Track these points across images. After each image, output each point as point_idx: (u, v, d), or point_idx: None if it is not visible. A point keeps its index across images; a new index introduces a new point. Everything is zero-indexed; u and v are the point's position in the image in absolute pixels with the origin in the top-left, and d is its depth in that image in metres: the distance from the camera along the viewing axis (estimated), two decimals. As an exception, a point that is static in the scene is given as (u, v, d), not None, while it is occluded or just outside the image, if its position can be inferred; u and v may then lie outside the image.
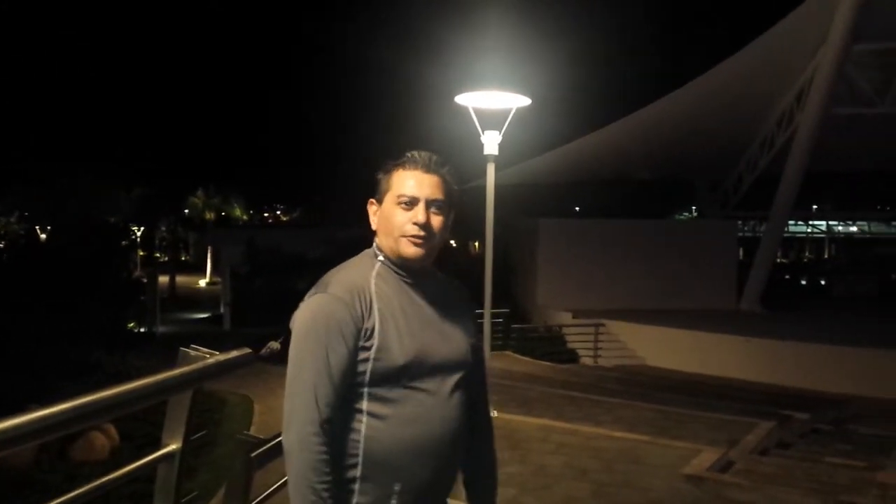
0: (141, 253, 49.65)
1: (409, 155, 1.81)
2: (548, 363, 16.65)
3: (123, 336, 21.39)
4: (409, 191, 1.76)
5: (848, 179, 37.41)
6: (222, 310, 30.96)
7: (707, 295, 21.64)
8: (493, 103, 7.90)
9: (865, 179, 37.98)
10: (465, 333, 1.86)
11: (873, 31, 18.51)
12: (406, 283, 1.80)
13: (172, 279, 44.24)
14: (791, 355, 15.44)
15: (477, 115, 7.98)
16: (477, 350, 1.92)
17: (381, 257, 1.81)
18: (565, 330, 19.32)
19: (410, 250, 1.76)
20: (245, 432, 6.71)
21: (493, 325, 14.59)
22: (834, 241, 49.53)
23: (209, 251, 50.16)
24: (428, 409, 1.72)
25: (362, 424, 1.69)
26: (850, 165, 29.71)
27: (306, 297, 1.75)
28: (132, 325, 25.84)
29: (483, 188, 8.46)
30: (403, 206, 1.77)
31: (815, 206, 46.32)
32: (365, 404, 1.69)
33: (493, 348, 12.22)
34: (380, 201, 1.82)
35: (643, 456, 6.66)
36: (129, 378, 2.18)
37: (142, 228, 50.71)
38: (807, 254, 52.98)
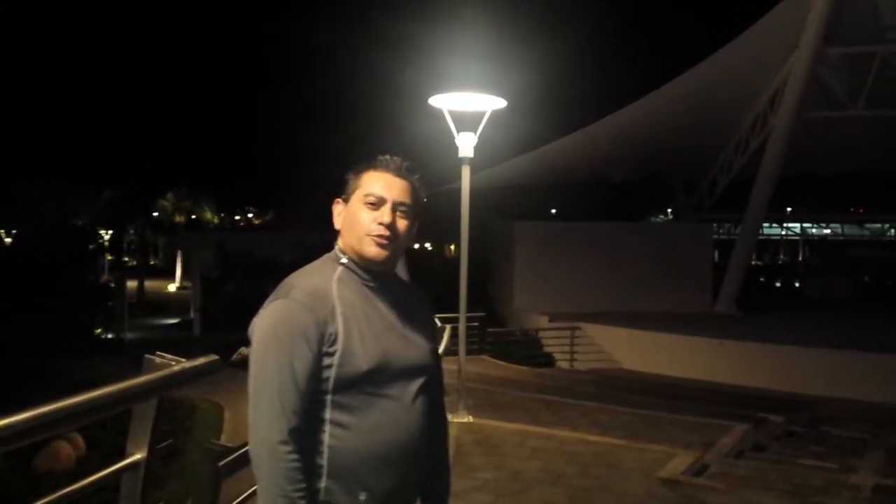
0: (109, 257, 48.97)
1: (381, 158, 1.81)
2: (524, 367, 16.63)
3: (90, 342, 21.05)
4: (378, 191, 1.75)
5: (822, 182, 37.90)
6: (192, 315, 30.60)
7: (682, 297, 21.76)
8: (467, 105, 7.83)
9: (839, 182, 38.51)
10: (426, 339, 1.84)
11: (844, 35, 18.77)
12: (368, 287, 1.77)
13: (141, 284, 43.72)
14: (765, 357, 15.56)
15: (452, 117, 7.91)
16: (437, 356, 1.90)
17: (343, 259, 1.78)
18: (541, 334, 19.32)
19: (373, 250, 1.74)
20: (213, 440, 6.57)
21: (469, 329, 14.56)
22: (808, 243, 50.17)
23: (179, 255, 49.63)
24: (392, 415, 1.70)
25: (325, 434, 1.66)
26: (824, 168, 30.11)
27: (266, 304, 1.70)
28: (99, 331, 25.46)
29: (458, 191, 8.39)
30: (370, 205, 1.75)
31: (789, 209, 46.89)
32: (328, 413, 1.66)
33: (468, 352, 12.16)
34: (346, 201, 1.80)
35: (619, 460, 6.62)
36: (96, 385, 2.10)
37: (110, 232, 50.02)
38: (781, 256, 53.63)
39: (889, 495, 6.20)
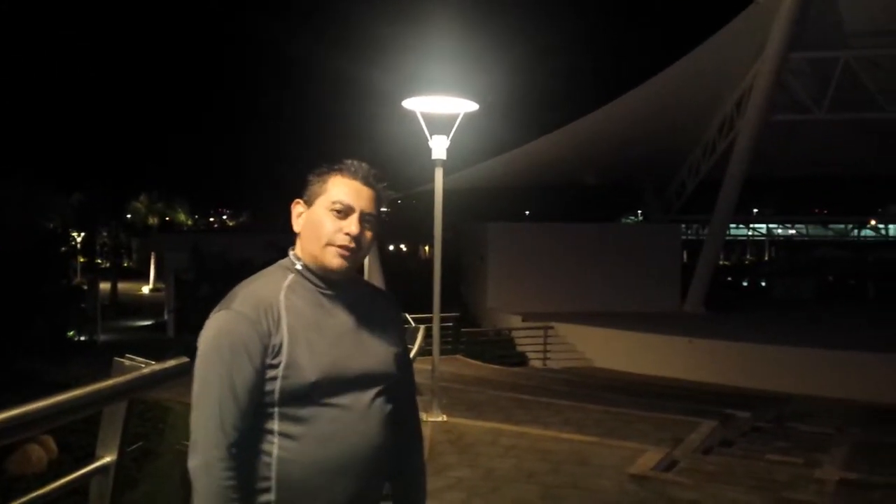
0: (81, 259, 48.32)
1: (348, 162, 1.74)
2: (497, 366, 16.72)
3: (63, 344, 20.75)
4: (346, 199, 1.69)
5: (787, 184, 38.58)
6: (166, 317, 30.29)
7: (652, 297, 22.04)
8: (440, 108, 7.90)
9: (804, 184, 39.23)
10: (388, 344, 1.78)
11: (808, 40, 19.15)
12: (323, 294, 1.71)
13: (114, 286, 43.22)
14: (733, 355, 15.83)
15: (424, 120, 7.98)
16: (404, 362, 1.84)
17: (298, 265, 1.72)
18: (515, 333, 19.45)
19: (336, 261, 1.68)
20: (185, 442, 6.55)
21: (443, 329, 14.63)
22: (774, 243, 50.98)
23: (152, 257, 49.06)
24: (344, 425, 1.64)
25: (274, 446, 1.61)
26: (789, 170, 30.63)
27: (212, 314, 1.65)
28: (72, 333, 25.10)
29: (432, 193, 8.46)
30: (336, 213, 1.68)
31: (755, 210, 47.65)
32: (276, 424, 1.62)
33: (443, 352, 12.23)
34: (308, 203, 1.72)
35: (591, 457, 6.73)
36: (69, 388, 2.12)
37: (82, 234, 49.31)
38: (748, 256, 54.41)
39: (853, 489, 6.37)
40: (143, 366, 2.60)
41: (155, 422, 8.96)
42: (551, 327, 18.76)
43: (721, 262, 39.16)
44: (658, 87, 20.46)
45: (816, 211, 49.71)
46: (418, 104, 7.83)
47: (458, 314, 18.90)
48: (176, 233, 52.98)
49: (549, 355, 18.30)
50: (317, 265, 1.70)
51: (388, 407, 1.74)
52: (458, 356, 17.49)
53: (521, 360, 18.44)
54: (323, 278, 1.71)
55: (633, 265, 22.47)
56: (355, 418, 1.66)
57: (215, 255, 23.86)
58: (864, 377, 14.01)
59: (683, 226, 31.18)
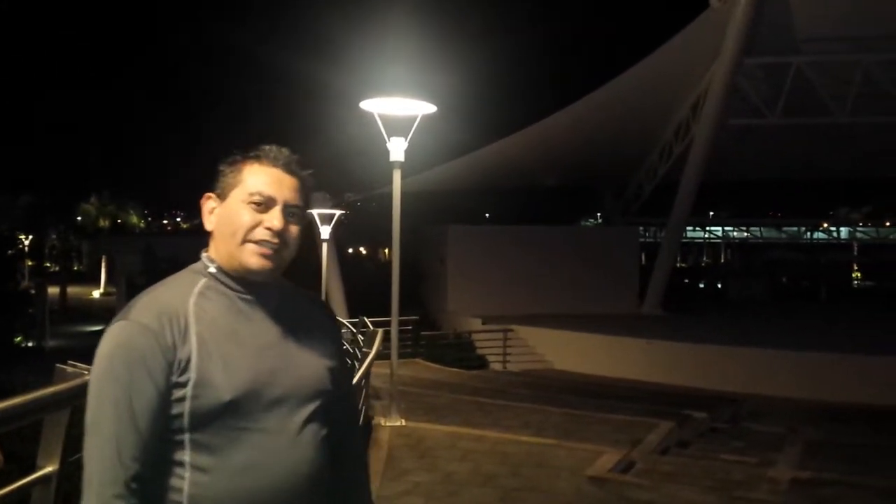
0: (29, 263, 47.16)
1: (266, 148, 1.52)
2: (457, 370, 16.71)
3: (9, 350, 20.23)
4: (267, 189, 1.47)
5: (742, 187, 39.38)
6: (118, 322, 29.69)
7: (611, 299, 22.25)
8: (398, 110, 7.87)
9: (758, 187, 40.10)
10: (322, 356, 1.55)
11: (762, 46, 19.54)
12: (242, 299, 1.49)
13: (63, 290, 42.22)
14: (690, 356, 16.05)
15: (382, 122, 7.93)
16: (341, 376, 1.62)
17: (212, 268, 1.50)
18: (475, 336, 19.46)
19: (255, 261, 1.46)
20: None
21: (403, 332, 14.56)
22: (729, 246, 51.90)
23: (103, 260, 48.10)
24: (268, 453, 1.41)
25: (184, 480, 1.38)
26: (744, 174, 31.24)
27: (109, 325, 1.42)
28: (19, 339, 24.52)
29: (390, 195, 8.41)
30: (255, 206, 1.47)
31: (711, 213, 48.49)
32: (186, 454, 1.38)
33: (402, 356, 12.16)
34: (222, 197, 1.51)
35: (549, 459, 6.74)
36: (11, 396, 2.04)
37: (30, 237, 48.15)
38: (704, 259, 55.30)
39: (804, 487, 6.48)
40: (86, 373, 2.51)
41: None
42: (511, 330, 18.81)
43: (678, 265, 39.80)
44: (615, 91, 20.68)
45: (770, 214, 50.83)
46: (376, 106, 7.79)
47: (417, 317, 18.85)
48: (128, 235, 52.04)
49: (508, 358, 18.34)
50: (234, 267, 1.48)
51: (324, 430, 1.50)
52: (417, 360, 17.43)
53: (481, 363, 18.45)
54: (241, 281, 1.49)
55: (591, 267, 22.67)
56: (282, 445, 1.43)
57: (169, 258, 23.52)
58: (816, 377, 14.31)
59: (641, 228, 31.58)
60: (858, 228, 47.15)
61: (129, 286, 28.53)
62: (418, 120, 7.95)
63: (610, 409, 10.17)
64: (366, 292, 21.22)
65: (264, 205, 1.47)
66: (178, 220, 75.59)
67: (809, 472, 6.92)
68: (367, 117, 8.09)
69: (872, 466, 7.60)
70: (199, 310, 1.44)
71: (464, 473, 6.23)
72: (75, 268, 57.72)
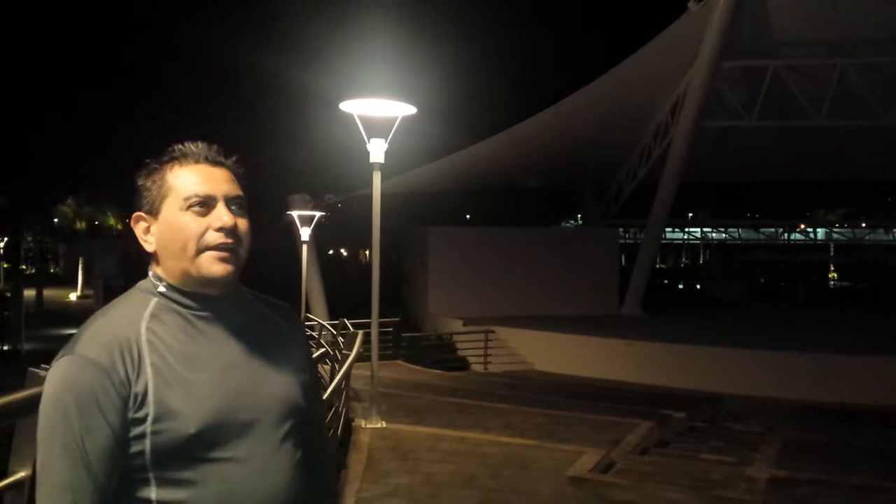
0: (5, 265, 46.55)
1: (180, 147, 1.39)
2: (438, 371, 16.71)
3: (-16, 354, 19.97)
4: (201, 188, 1.34)
5: (720, 189, 39.76)
6: (95, 325, 29.47)
7: (591, 300, 22.35)
8: (378, 111, 7.86)
9: (736, 189, 40.50)
10: (292, 370, 1.44)
11: (739, 49, 19.73)
12: (198, 316, 1.36)
13: (39, 293, 41.70)
14: (670, 357, 16.15)
15: (362, 123, 7.92)
16: (312, 390, 1.51)
17: (161, 287, 1.37)
18: (456, 338, 19.46)
19: (218, 268, 1.33)
20: None
21: (384, 333, 14.53)
22: (708, 247, 52.37)
23: (80, 262, 47.58)
24: (240, 484, 1.30)
25: None
26: (723, 175, 31.51)
27: (53, 362, 1.30)
28: (-6, 343, 24.22)
29: (371, 197, 8.40)
30: (195, 210, 1.34)
31: (690, 214, 48.91)
32: (152, 492, 1.27)
33: (382, 358, 12.14)
34: (153, 213, 1.37)
35: (530, 460, 6.75)
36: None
37: (6, 239, 47.52)
38: (684, 260, 55.74)
39: (782, 486, 6.53)
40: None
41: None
42: (492, 331, 18.84)
43: (658, 266, 40.08)
44: (595, 93, 20.78)
45: (748, 215, 51.39)
46: (356, 107, 7.77)
47: (398, 319, 18.83)
48: (105, 237, 51.47)
49: (490, 359, 18.36)
50: (189, 282, 1.35)
51: (298, 453, 1.40)
52: (398, 361, 17.41)
53: (463, 364, 18.46)
54: (195, 297, 1.36)
55: (572, 269, 22.76)
56: (255, 473, 1.32)
57: (146, 261, 23.36)
58: (793, 376, 14.46)
59: (621, 230, 31.77)
60: (835, 230, 47.76)
61: (106, 288, 28.28)
62: (398, 121, 7.94)
63: (590, 409, 10.22)
64: (346, 294, 21.17)
65: (205, 205, 1.34)
66: (157, 221, 74.91)
67: (787, 471, 6.99)
68: (347, 118, 8.08)
69: (849, 465, 7.69)
70: (152, 335, 1.31)
71: (444, 475, 6.22)
72: (52, 270, 57.05)
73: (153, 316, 1.33)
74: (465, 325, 19.66)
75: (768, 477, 6.66)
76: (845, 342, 16.42)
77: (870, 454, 8.55)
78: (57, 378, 1.25)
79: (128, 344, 1.28)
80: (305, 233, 17.47)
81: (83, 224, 52.25)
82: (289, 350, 1.46)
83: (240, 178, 1.41)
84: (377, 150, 8.00)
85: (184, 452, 1.26)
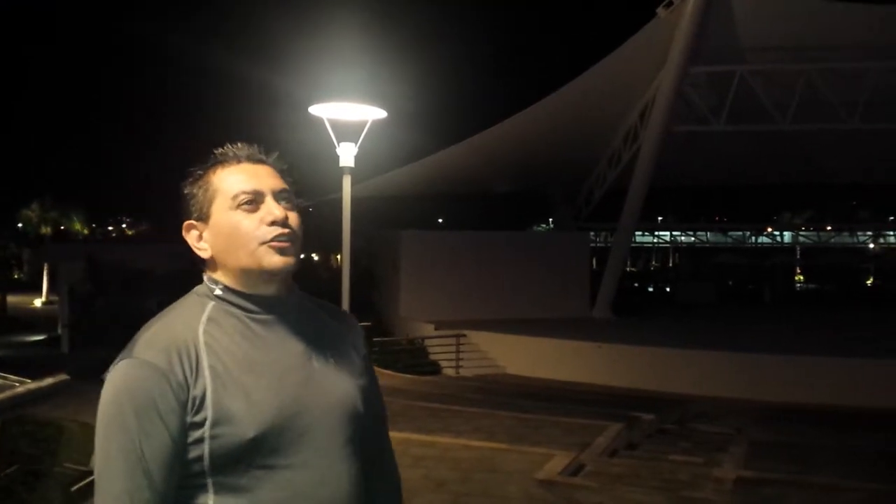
0: (-33, 271, 45.59)
1: (222, 151, 1.40)
2: (410, 376, 16.67)
3: (-54, 362, 19.49)
4: (248, 185, 1.34)
5: (689, 193, 40.22)
6: (60, 331, 28.99)
7: (562, 303, 22.45)
8: (348, 115, 7.84)
9: (705, 193, 41.02)
10: (351, 374, 1.42)
11: (707, 54, 19.98)
12: (255, 320, 1.34)
13: (3, 299, 40.96)
14: (639, 359, 16.28)
15: (332, 127, 7.89)
16: (372, 394, 1.47)
17: (217, 290, 1.35)
18: (427, 342, 19.43)
19: (278, 260, 1.32)
20: (67, 465, 6.23)
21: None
22: (678, 250, 52.93)
23: (45, 268, 46.80)
24: (299, 492, 1.28)
25: None
26: (691, 180, 31.88)
27: (112, 365, 1.29)
28: (-44, 350, 23.66)
29: (341, 200, 8.37)
30: (245, 207, 1.33)
31: (660, 218, 49.45)
32: (210, 499, 1.25)
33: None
34: (204, 219, 1.36)
35: (500, 464, 6.76)
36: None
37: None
38: (654, 263, 56.27)
39: (748, 486, 6.61)
40: (17, 384, 2.44)
41: (47, 442, 8.48)
42: (464, 335, 18.84)
43: (628, 269, 40.42)
44: (565, 99, 20.91)
45: (717, 219, 52.08)
46: (326, 111, 7.74)
47: (370, 323, 18.76)
48: (71, 242, 50.65)
49: (461, 363, 18.36)
50: (250, 281, 1.34)
51: (357, 462, 1.37)
52: (370, 366, 17.32)
53: (434, 368, 18.43)
54: (253, 299, 1.35)
55: (543, 272, 22.84)
56: (314, 481, 1.29)
57: (113, 266, 23.00)
58: (761, 378, 14.65)
59: (592, 233, 31.97)
60: (801, 233, 48.54)
61: (71, 295, 27.83)
62: (368, 125, 7.92)
63: (561, 412, 10.26)
64: (318, 298, 21.05)
65: (254, 202, 1.34)
66: (124, 226, 73.87)
67: (753, 472, 7.08)
68: (317, 122, 8.04)
69: (814, 465, 7.80)
70: (210, 338, 1.30)
71: (415, 480, 6.20)
72: (16, 276, 55.97)
73: (210, 319, 1.32)
74: (436, 329, 19.64)
75: (735, 477, 6.73)
76: (811, 343, 16.69)
77: (835, 454, 8.69)
78: (114, 381, 1.24)
79: (185, 346, 1.27)
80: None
81: (48, 229, 51.33)
82: (346, 354, 1.44)
83: (284, 173, 1.41)
84: (347, 154, 7.98)
85: (241, 458, 1.24)
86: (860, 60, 19.32)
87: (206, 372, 1.26)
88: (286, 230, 1.33)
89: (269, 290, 1.35)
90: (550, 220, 38.03)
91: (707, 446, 8.84)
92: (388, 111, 7.95)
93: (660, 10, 19.24)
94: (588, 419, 9.41)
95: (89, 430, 9.07)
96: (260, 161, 1.39)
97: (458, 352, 18.51)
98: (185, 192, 1.39)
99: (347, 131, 7.97)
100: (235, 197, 1.33)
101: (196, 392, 1.24)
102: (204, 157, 1.43)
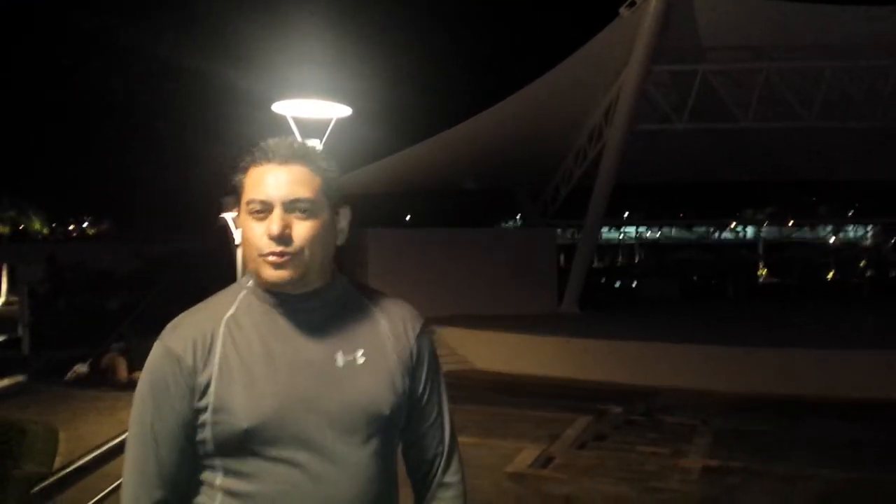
0: (-78, 273, 44.38)
1: (261, 145, 1.39)
2: (379, 373, 16.60)
3: None
4: (259, 194, 1.34)
5: (654, 190, 40.65)
6: (20, 332, 28.42)
7: (530, 299, 22.56)
8: (312, 112, 7.78)
9: (669, 190, 41.49)
10: (382, 375, 1.41)
11: (670, 54, 20.22)
12: (282, 313, 1.37)
13: (-40, 301, 39.96)
14: (607, 353, 16.44)
15: (296, 124, 7.83)
16: (413, 398, 1.49)
17: (250, 282, 1.42)
18: (396, 339, 19.38)
19: (271, 273, 1.34)
20: (24, 467, 6.12)
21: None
22: (643, 246, 53.54)
23: (4, 269, 45.79)
24: (300, 483, 1.28)
25: None
26: (656, 177, 32.22)
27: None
28: (-88, 354, 22.99)
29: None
30: (255, 215, 1.35)
31: (626, 214, 49.95)
32: (218, 479, 1.32)
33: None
34: (238, 211, 1.43)
35: (470, 458, 6.76)
36: None
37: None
38: (620, 259, 56.87)
39: (714, 475, 6.72)
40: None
41: (10, 444, 8.32)
42: (432, 331, 18.80)
43: (595, 265, 40.74)
44: (530, 97, 20.99)
45: (681, 215, 52.77)
46: (289, 108, 7.68)
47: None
48: (30, 242, 49.63)
49: (430, 360, 18.33)
50: (260, 281, 1.39)
51: (376, 466, 1.36)
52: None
53: (404, 365, 18.41)
54: (274, 295, 1.38)
55: (511, 268, 22.93)
56: (311, 480, 1.29)
57: (73, 266, 22.59)
58: (725, 369, 14.88)
59: (559, 230, 32.16)
60: (763, 228, 49.39)
61: (31, 295, 27.27)
62: (333, 122, 7.89)
63: (530, 406, 10.33)
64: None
65: (264, 212, 1.35)
66: (85, 225, 72.51)
67: (718, 461, 7.20)
68: (280, 120, 7.98)
69: (776, 454, 7.96)
70: (234, 327, 1.35)
71: (385, 475, 6.21)
72: (-27, 278, 54.69)
73: (240, 308, 1.39)
74: (405, 326, 19.61)
75: (701, 467, 6.85)
76: (773, 335, 17.00)
77: (799, 443, 8.88)
78: (147, 360, 1.37)
79: (202, 335, 1.34)
80: (239, 236, 17.15)
81: (6, 229, 50.24)
82: (382, 353, 1.45)
83: (316, 175, 1.41)
84: (313, 152, 7.92)
85: (240, 446, 1.29)
86: (816, 59, 19.71)
87: (216, 361, 1.32)
88: (279, 248, 1.33)
89: (286, 289, 1.38)
90: (518, 216, 38.20)
91: (674, 437, 8.97)
92: (353, 108, 7.92)
93: (623, 10, 19.40)
94: (557, 412, 9.50)
95: (51, 432, 8.92)
96: (289, 162, 1.37)
97: (426, 349, 18.47)
98: (234, 181, 1.42)
99: (312, 129, 7.93)
100: (249, 203, 1.36)
101: (202, 379, 1.31)
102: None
